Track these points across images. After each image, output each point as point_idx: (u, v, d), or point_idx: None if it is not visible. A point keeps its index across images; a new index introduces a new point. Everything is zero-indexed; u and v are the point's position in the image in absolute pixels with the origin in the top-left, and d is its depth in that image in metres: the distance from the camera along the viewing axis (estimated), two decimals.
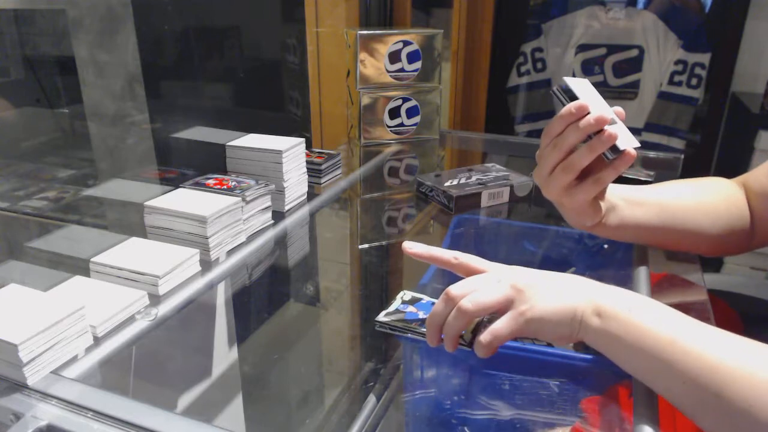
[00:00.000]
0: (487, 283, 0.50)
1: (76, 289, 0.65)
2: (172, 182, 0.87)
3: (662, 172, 1.08)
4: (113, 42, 0.86)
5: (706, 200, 0.70)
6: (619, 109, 0.57)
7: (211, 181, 0.84)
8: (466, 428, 0.62)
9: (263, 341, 0.85)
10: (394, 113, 1.28)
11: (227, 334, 0.82)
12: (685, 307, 0.65)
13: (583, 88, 0.58)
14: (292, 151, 0.91)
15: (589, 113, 0.54)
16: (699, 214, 0.69)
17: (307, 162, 0.97)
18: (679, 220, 0.68)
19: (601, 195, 0.63)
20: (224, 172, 0.93)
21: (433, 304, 0.63)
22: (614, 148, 0.55)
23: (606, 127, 0.54)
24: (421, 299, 0.63)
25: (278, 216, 0.89)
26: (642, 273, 0.71)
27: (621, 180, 0.95)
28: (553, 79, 1.86)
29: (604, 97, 0.58)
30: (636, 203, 0.67)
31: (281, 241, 0.87)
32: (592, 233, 0.67)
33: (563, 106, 0.55)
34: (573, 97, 0.56)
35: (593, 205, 0.62)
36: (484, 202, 0.97)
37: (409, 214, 1.04)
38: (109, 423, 0.48)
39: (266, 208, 0.86)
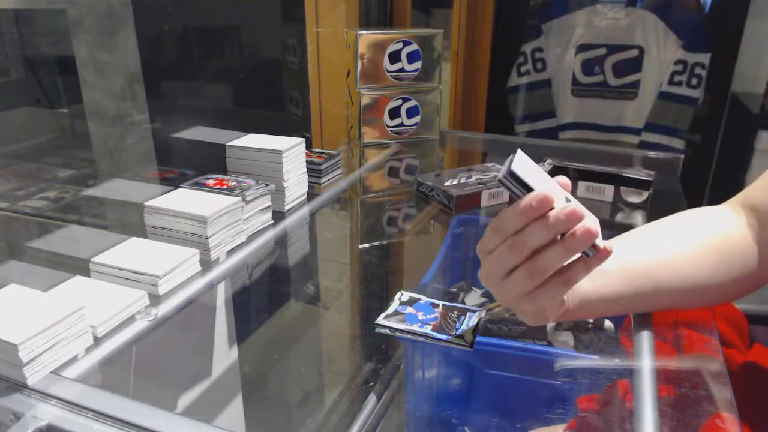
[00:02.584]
0: None
1: (76, 289, 0.65)
2: (172, 182, 0.87)
3: (662, 172, 1.08)
4: (113, 42, 0.86)
5: (688, 246, 0.58)
6: (564, 180, 0.48)
7: (211, 181, 0.84)
8: (466, 428, 0.62)
9: (263, 341, 0.85)
10: (394, 113, 1.28)
11: (227, 334, 0.82)
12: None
13: (530, 169, 0.47)
14: (292, 151, 0.91)
15: (553, 207, 0.45)
16: (681, 266, 0.57)
17: (307, 162, 0.97)
18: (655, 280, 0.57)
19: None
20: (224, 172, 0.93)
21: (430, 304, 0.63)
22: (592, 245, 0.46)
23: (580, 224, 0.45)
24: (419, 299, 0.64)
25: (278, 216, 0.89)
26: None
27: (621, 180, 0.96)
28: (554, 78, 1.86)
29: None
30: (596, 274, 0.53)
31: (281, 241, 0.87)
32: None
33: (517, 197, 0.45)
34: (526, 186, 0.45)
35: (557, 302, 0.52)
36: (484, 201, 0.97)
37: (409, 214, 1.04)
38: (109, 423, 0.48)
39: (266, 208, 0.86)
